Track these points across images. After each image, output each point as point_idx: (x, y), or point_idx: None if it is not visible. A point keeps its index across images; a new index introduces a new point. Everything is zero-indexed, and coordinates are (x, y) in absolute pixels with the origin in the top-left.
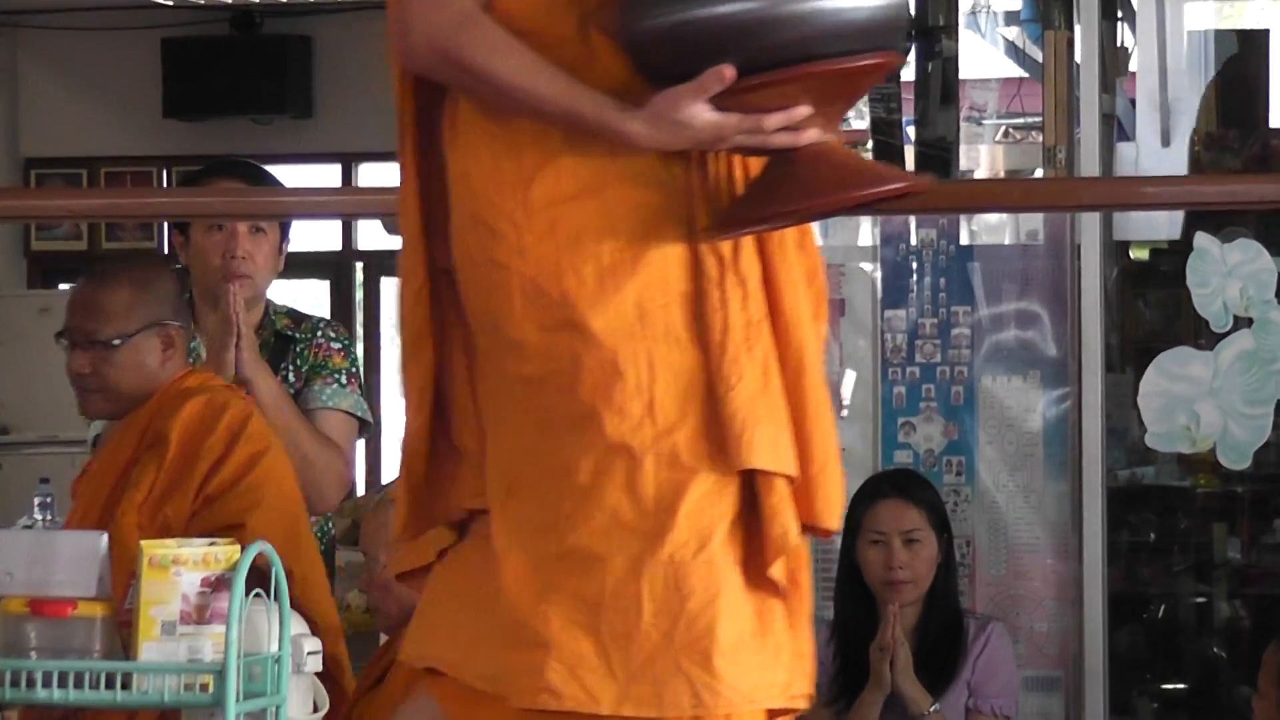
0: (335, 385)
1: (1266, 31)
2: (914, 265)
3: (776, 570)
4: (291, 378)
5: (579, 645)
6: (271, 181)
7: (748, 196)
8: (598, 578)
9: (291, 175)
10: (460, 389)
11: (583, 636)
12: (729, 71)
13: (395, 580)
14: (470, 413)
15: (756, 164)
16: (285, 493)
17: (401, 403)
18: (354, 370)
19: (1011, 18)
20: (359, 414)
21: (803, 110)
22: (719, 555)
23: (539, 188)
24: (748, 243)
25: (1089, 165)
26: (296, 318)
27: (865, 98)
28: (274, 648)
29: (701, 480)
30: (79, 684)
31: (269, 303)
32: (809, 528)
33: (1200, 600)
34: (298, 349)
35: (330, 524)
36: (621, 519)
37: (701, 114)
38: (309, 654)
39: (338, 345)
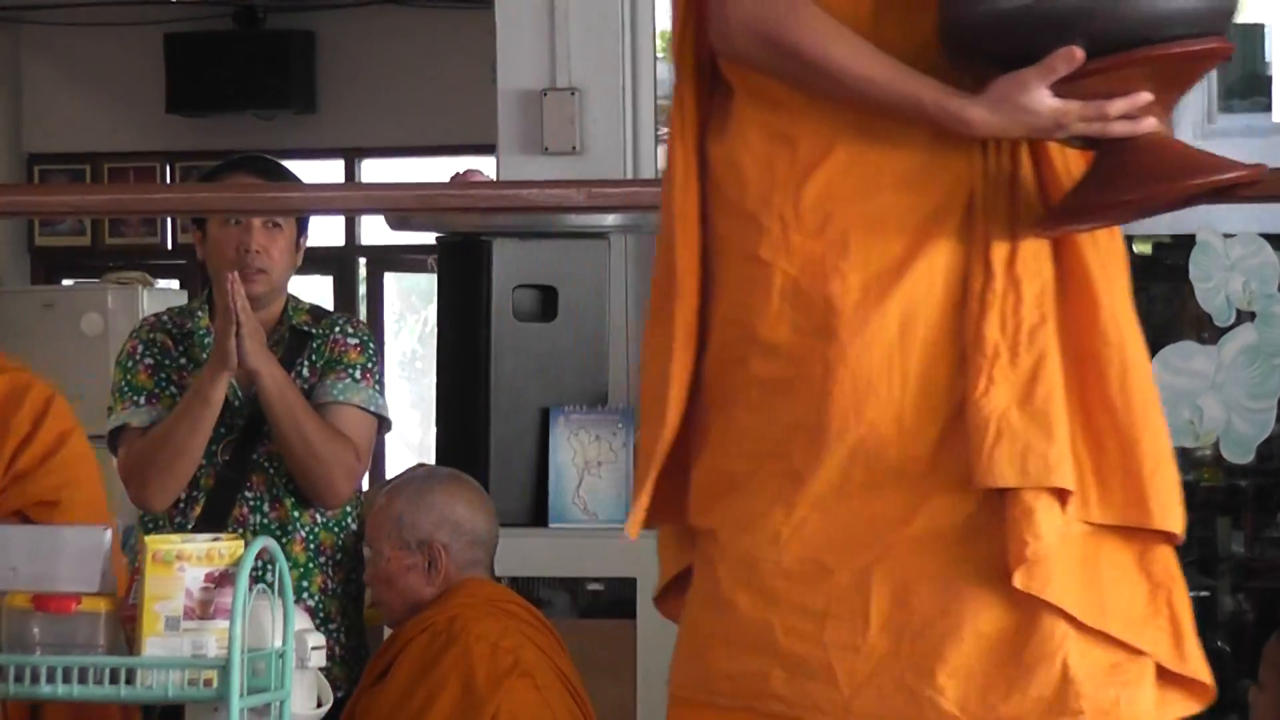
0: (349, 380)
1: (1261, 26)
2: None
3: (1019, 580)
4: (306, 373)
5: (804, 654)
6: (290, 176)
7: (1081, 188)
8: (824, 588)
9: (295, 170)
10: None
11: (807, 646)
12: (1079, 53)
13: (397, 575)
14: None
15: (1046, 162)
16: (94, 474)
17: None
18: (370, 366)
19: None
20: (372, 409)
21: (1145, 96)
22: (953, 568)
23: (812, 185)
24: (1034, 246)
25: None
26: (318, 314)
27: None
28: (278, 643)
29: (939, 493)
30: (83, 679)
31: (290, 298)
32: (1145, 532)
33: (1204, 594)
34: (315, 344)
35: (351, 519)
36: (853, 531)
37: (1045, 99)
38: (313, 649)
39: (354, 341)
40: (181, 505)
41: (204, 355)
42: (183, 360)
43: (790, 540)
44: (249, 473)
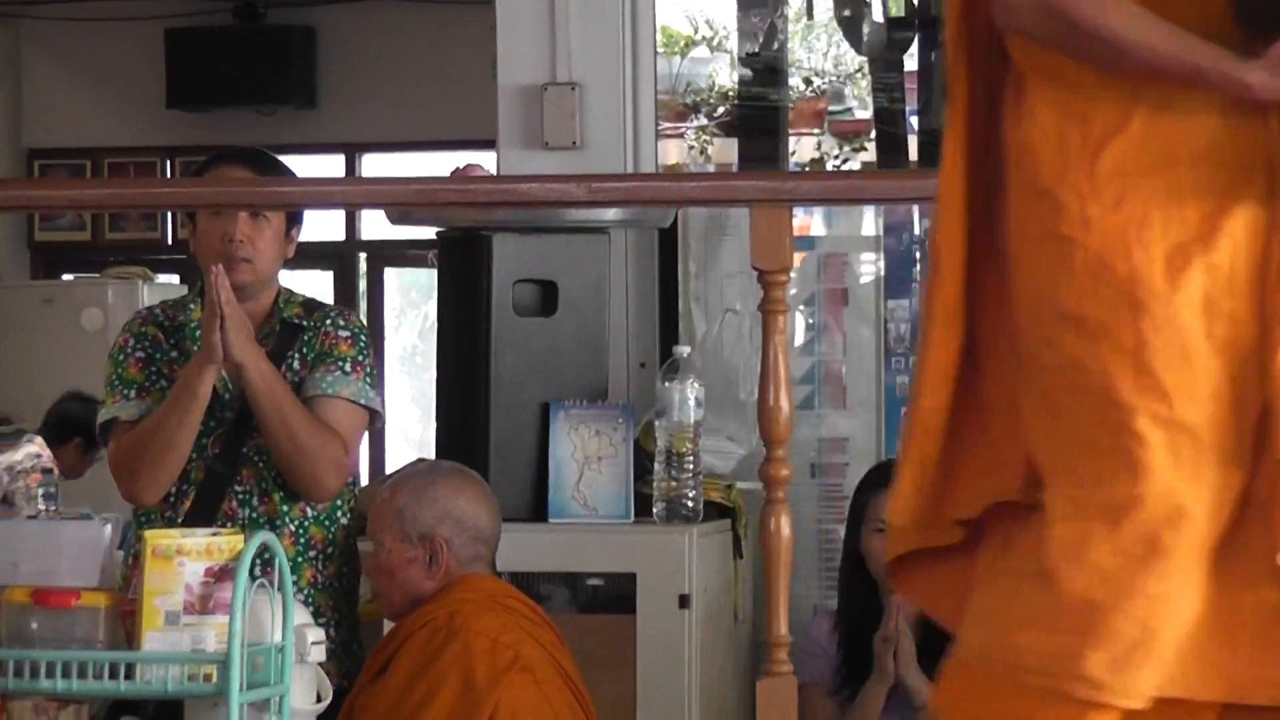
0: (338, 373)
1: None
2: (917, 255)
3: None
4: (297, 365)
5: (1132, 637)
6: (281, 168)
7: None
8: (1160, 568)
9: (295, 165)
10: (987, 380)
11: (1135, 629)
12: None
13: (398, 567)
14: (993, 401)
15: None
16: None
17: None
18: (361, 359)
19: None
20: (362, 402)
21: None
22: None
23: (1107, 158)
24: None
25: None
26: (310, 307)
27: (869, 86)
28: (277, 637)
29: (1218, 471)
30: (82, 674)
31: (283, 290)
32: None
33: None
34: (306, 337)
35: (341, 513)
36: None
37: None
38: (312, 644)
39: (345, 333)
40: (171, 499)
41: (195, 348)
42: (174, 354)
43: (1124, 518)
44: (239, 466)
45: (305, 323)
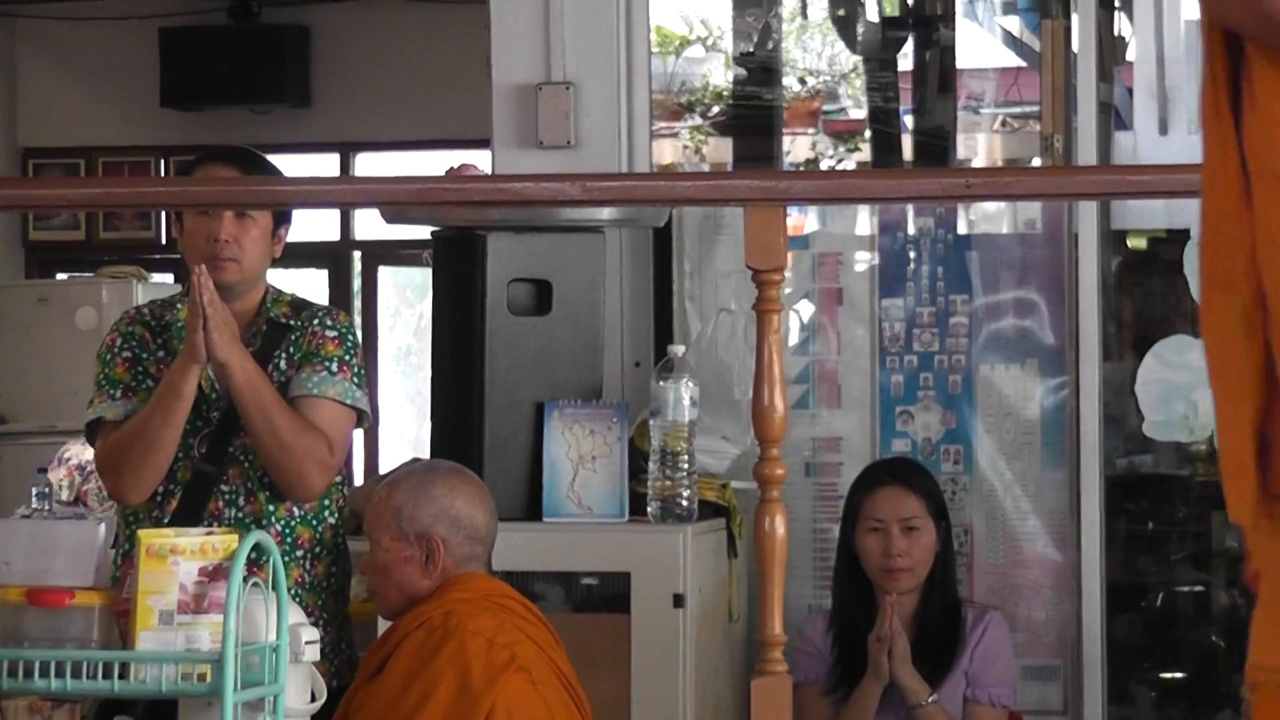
0: (324, 373)
1: None
2: (912, 254)
3: None
4: (284, 365)
5: None
6: (268, 167)
7: None
8: None
9: (289, 165)
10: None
11: None
12: None
13: (394, 566)
14: None
15: None
16: None
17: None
18: (348, 359)
19: (1009, 7)
20: (349, 401)
21: None
22: None
23: None
24: None
25: (1086, 154)
26: (298, 306)
27: (863, 86)
28: (272, 637)
29: None
30: (76, 674)
31: (271, 290)
32: None
33: (1198, 589)
34: (293, 337)
35: (329, 512)
36: None
37: None
38: (306, 643)
39: (333, 333)
40: (158, 499)
41: (180, 347)
42: (160, 353)
43: None
44: (225, 466)
45: (293, 322)
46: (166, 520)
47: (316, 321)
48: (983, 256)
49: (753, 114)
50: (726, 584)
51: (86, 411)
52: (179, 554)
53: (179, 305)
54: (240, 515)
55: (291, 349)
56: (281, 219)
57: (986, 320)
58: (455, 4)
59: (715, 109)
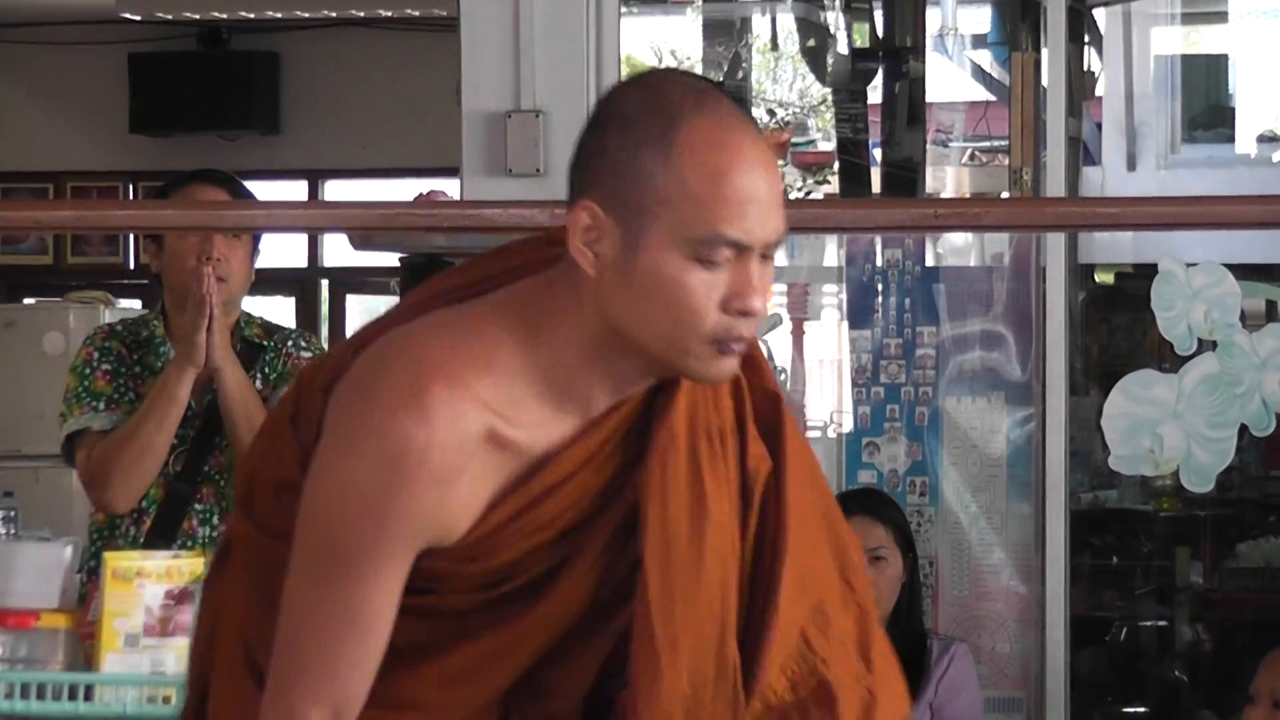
0: None
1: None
2: (879, 286)
3: None
4: (260, 385)
5: None
6: (248, 193)
7: None
8: None
9: (258, 191)
10: None
11: None
12: None
13: None
14: None
15: None
16: None
17: None
18: None
19: (979, 40)
20: None
21: None
22: None
23: None
24: None
25: (1055, 188)
26: (269, 329)
27: (833, 118)
28: None
29: None
30: (41, 695)
31: (243, 313)
32: None
33: (1162, 624)
34: (267, 358)
35: None
36: None
37: None
38: None
39: (308, 354)
40: (134, 515)
41: (160, 363)
42: (138, 368)
43: None
44: (199, 485)
45: (266, 343)
46: (142, 539)
47: (290, 343)
48: (950, 289)
49: None
50: None
51: (63, 425)
52: (145, 577)
53: (155, 323)
54: (214, 534)
55: (267, 369)
56: (255, 244)
57: (953, 352)
58: (425, 31)
59: None
